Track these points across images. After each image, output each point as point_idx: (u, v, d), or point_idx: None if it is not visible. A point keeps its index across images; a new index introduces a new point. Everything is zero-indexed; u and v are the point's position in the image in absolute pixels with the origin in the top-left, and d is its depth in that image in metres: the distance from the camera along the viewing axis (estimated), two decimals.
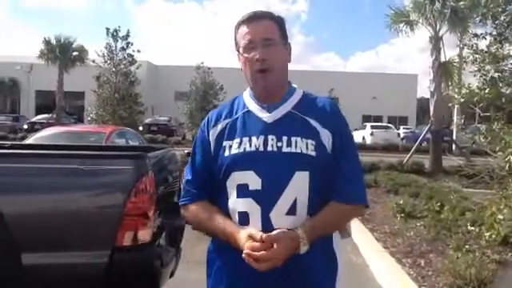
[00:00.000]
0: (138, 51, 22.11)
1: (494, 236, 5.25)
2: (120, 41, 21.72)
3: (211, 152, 1.65)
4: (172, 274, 3.28)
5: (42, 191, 2.74)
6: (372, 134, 30.77)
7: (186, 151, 8.29)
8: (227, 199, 1.60)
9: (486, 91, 6.03)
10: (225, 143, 1.62)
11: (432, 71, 14.98)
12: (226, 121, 1.66)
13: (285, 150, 1.56)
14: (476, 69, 6.52)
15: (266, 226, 1.52)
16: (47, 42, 29.98)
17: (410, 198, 8.30)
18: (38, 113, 38.38)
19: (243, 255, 1.47)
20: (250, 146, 1.58)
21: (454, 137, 17.19)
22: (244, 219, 1.55)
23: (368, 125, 33.44)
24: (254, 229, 1.51)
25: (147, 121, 29.10)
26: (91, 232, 2.69)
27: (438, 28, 14.84)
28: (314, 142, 1.57)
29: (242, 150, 1.59)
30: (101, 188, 2.77)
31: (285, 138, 1.57)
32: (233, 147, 1.60)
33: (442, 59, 15.02)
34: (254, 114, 1.65)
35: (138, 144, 8.99)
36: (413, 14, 15.12)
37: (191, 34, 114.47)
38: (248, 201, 1.55)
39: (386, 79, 49.12)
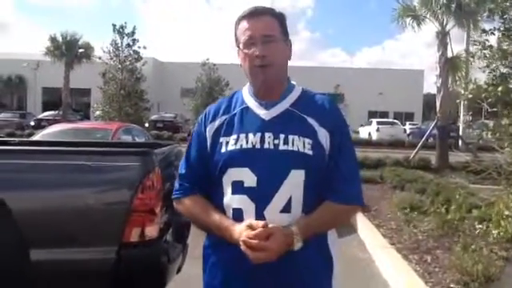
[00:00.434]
0: (144, 48, 22.18)
1: (501, 233, 5.22)
2: (126, 37, 21.76)
3: (207, 148, 1.65)
4: (179, 270, 3.29)
5: (50, 187, 2.75)
6: (378, 129, 30.68)
7: None
8: (222, 195, 1.60)
9: (499, 89, 5.98)
10: (222, 139, 1.62)
11: (439, 66, 14.88)
12: (224, 117, 1.66)
13: (281, 147, 1.56)
14: (484, 65, 6.48)
15: None
16: (53, 39, 30.11)
17: (416, 194, 8.27)
18: (44, 110, 38.62)
19: (240, 242, 1.47)
20: (247, 142, 1.58)
21: (461, 132, 17.09)
22: (238, 216, 1.56)
23: (374, 121, 33.34)
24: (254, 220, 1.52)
25: (153, 117, 29.21)
26: (98, 228, 2.70)
27: (444, 23, 14.73)
28: (310, 141, 1.57)
29: (238, 146, 1.59)
30: (108, 184, 2.78)
31: (282, 136, 1.57)
32: (229, 143, 1.60)
33: (449, 54, 14.92)
34: (251, 110, 1.65)
35: (144, 140, 9.01)
36: (420, 8, 15.02)
37: (197, 30, 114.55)
38: (243, 198, 1.55)
39: (392, 75, 48.92)
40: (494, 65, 6.38)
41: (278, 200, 1.54)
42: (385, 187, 10.02)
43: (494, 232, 5.32)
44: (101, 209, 2.73)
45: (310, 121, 1.60)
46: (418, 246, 5.33)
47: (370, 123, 33.36)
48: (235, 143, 1.59)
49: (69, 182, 2.77)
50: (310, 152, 1.56)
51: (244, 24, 1.63)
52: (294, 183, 1.54)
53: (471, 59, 7.95)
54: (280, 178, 1.54)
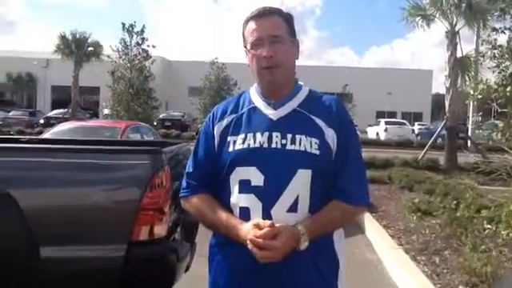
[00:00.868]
0: (153, 46, 22.19)
1: (511, 235, 5.18)
2: (135, 36, 21.83)
3: (215, 147, 1.66)
4: (187, 269, 3.30)
5: (59, 185, 2.77)
6: (386, 130, 30.55)
7: None
8: (229, 194, 1.62)
9: (508, 89, 5.93)
10: (229, 138, 1.64)
11: (448, 66, 14.77)
12: (232, 116, 1.67)
13: (289, 147, 1.57)
14: (494, 64, 6.43)
15: None
16: (63, 38, 30.23)
17: (424, 195, 8.22)
18: (53, 108, 38.83)
19: (247, 241, 1.48)
20: (255, 142, 1.60)
21: (470, 133, 16.96)
22: (245, 214, 1.57)
23: (382, 121, 33.20)
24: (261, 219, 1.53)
25: (161, 116, 29.29)
26: (107, 226, 2.72)
27: (454, 23, 14.62)
28: (318, 141, 1.58)
29: (246, 145, 1.60)
30: (117, 183, 2.80)
31: (289, 136, 1.58)
32: (237, 143, 1.62)
33: (459, 54, 14.81)
34: (259, 110, 1.66)
35: (153, 139, 9.04)
36: (429, 8, 14.91)
37: (206, 29, 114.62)
38: (250, 196, 1.57)
39: (401, 75, 48.71)
40: (504, 65, 6.33)
41: (285, 199, 1.55)
42: (393, 188, 9.96)
43: (503, 233, 5.28)
44: (110, 207, 2.75)
45: (318, 121, 1.62)
46: (426, 247, 5.30)
47: (378, 123, 33.24)
48: (243, 142, 1.61)
49: (78, 180, 2.78)
50: (317, 152, 1.57)
51: (251, 25, 1.64)
52: (301, 183, 1.55)
53: (481, 59, 7.90)
54: (287, 177, 1.55)
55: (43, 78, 44.61)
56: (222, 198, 1.64)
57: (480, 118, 9.66)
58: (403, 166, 12.55)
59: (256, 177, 1.56)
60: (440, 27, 15.08)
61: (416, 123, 37.76)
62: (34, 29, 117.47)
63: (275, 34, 1.61)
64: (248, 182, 1.57)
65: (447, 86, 14.85)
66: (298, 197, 1.55)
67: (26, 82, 46.54)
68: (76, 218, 2.72)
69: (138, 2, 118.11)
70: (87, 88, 38.71)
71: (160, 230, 2.75)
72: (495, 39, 6.46)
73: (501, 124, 6.56)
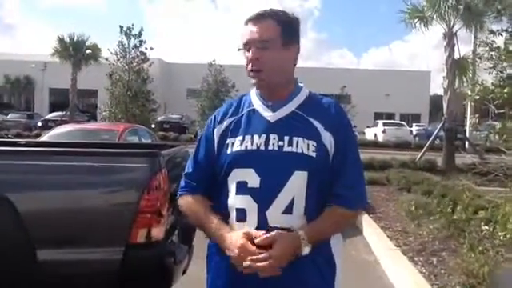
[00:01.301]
0: (151, 49, 22.23)
1: (508, 235, 5.19)
2: (133, 39, 21.84)
3: (214, 149, 1.68)
4: (185, 272, 3.30)
5: (57, 188, 2.77)
6: (384, 131, 30.58)
7: None
8: (227, 195, 1.63)
9: (505, 90, 5.94)
10: (228, 140, 1.65)
11: (446, 68, 14.81)
12: (231, 118, 1.69)
13: (286, 149, 1.59)
14: (491, 66, 6.45)
15: (262, 223, 1.55)
16: (61, 40, 30.23)
17: (422, 196, 8.24)
18: (51, 110, 38.83)
19: (244, 267, 1.49)
20: (252, 144, 1.61)
21: (468, 134, 17.00)
22: (241, 216, 1.59)
23: (380, 122, 33.23)
24: (251, 228, 1.54)
25: (159, 118, 29.24)
26: (105, 229, 2.72)
27: (452, 24, 14.67)
28: (315, 143, 1.59)
29: (243, 147, 1.62)
30: (114, 185, 2.80)
31: (286, 138, 1.60)
32: (235, 144, 1.63)
33: (456, 56, 14.85)
34: (258, 112, 1.67)
35: (151, 142, 9.04)
36: (427, 10, 14.95)
37: (204, 31, 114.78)
38: (246, 198, 1.58)
39: (399, 76, 48.77)
40: (501, 66, 6.35)
41: (281, 201, 1.56)
42: (391, 189, 9.97)
43: (500, 234, 5.29)
44: (107, 210, 2.75)
45: (315, 123, 1.62)
46: (423, 248, 5.30)
47: (376, 124, 33.26)
48: (240, 144, 1.62)
49: (75, 183, 2.78)
50: (314, 154, 1.58)
51: (244, 28, 1.66)
52: (297, 184, 1.56)
53: (478, 60, 7.92)
54: (283, 179, 1.56)
55: (41, 80, 44.54)
56: (220, 199, 1.65)
57: (477, 119, 9.67)
58: (401, 168, 12.56)
59: (252, 178, 1.58)
60: (438, 29, 15.14)
61: (414, 124, 37.79)
62: (32, 32, 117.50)
63: (263, 39, 1.61)
64: (245, 183, 1.59)
65: (445, 87, 14.89)
66: (293, 198, 1.56)
67: (24, 85, 46.50)
68: (73, 221, 2.72)
69: (137, 5, 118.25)
70: (85, 91, 38.72)
71: (158, 233, 2.75)
72: (493, 41, 6.48)
73: (498, 125, 6.57)
